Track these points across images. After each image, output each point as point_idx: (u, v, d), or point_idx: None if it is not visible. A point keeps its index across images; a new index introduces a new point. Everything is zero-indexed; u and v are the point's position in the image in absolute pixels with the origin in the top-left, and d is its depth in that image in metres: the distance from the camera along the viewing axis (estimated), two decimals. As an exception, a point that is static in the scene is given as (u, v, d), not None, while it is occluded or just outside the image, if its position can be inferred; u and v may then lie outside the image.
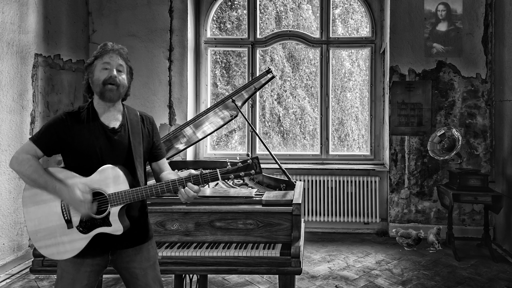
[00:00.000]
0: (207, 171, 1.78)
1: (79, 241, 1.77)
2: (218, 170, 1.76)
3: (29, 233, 1.81)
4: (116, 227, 1.76)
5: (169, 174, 1.95)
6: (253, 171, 1.78)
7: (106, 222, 1.76)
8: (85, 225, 1.76)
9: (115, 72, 1.81)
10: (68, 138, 1.79)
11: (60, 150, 1.82)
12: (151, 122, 2.00)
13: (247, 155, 3.10)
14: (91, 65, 1.85)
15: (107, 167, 1.76)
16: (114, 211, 1.75)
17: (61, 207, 1.77)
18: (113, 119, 1.87)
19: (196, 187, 1.76)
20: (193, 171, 1.78)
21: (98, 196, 1.76)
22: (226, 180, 3.17)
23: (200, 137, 3.35)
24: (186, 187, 1.75)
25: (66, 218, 1.77)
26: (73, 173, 1.78)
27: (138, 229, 1.90)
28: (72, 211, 1.76)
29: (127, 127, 1.88)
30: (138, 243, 1.90)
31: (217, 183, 3.06)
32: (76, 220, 1.77)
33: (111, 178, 1.75)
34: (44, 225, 1.78)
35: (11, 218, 3.82)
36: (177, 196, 1.96)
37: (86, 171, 1.77)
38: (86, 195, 1.71)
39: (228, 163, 1.79)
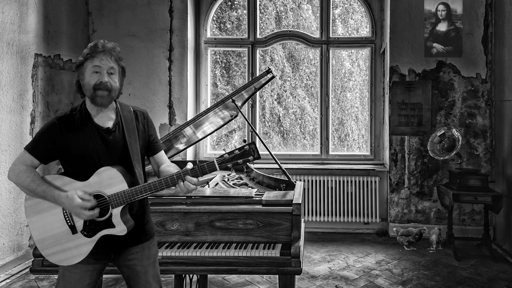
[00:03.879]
0: (204, 162, 1.74)
1: (85, 245, 1.76)
2: (215, 159, 1.71)
3: (35, 242, 1.80)
4: (120, 228, 1.75)
5: (168, 167, 1.92)
6: (251, 157, 1.71)
7: (109, 223, 1.75)
8: (89, 229, 1.75)
9: (106, 78, 1.75)
10: (63, 144, 1.77)
11: (57, 156, 1.80)
12: (145, 117, 1.96)
13: (244, 140, 3.05)
14: (81, 66, 1.77)
15: (104, 169, 1.74)
16: (116, 212, 1.74)
17: (63, 214, 1.76)
18: (106, 119, 1.84)
19: (195, 179, 1.73)
20: (190, 164, 1.75)
21: (98, 198, 1.75)
22: (226, 180, 3.19)
23: (200, 137, 3.35)
24: (186, 181, 1.73)
25: (69, 224, 1.76)
26: (70, 179, 1.76)
27: (140, 228, 1.90)
28: (74, 216, 1.75)
29: (121, 125, 1.85)
30: (140, 242, 1.90)
31: (217, 183, 3.06)
32: (79, 225, 1.76)
33: (109, 179, 1.74)
34: (49, 233, 1.77)
35: (11, 218, 3.82)
36: (177, 196, 1.94)
37: (85, 175, 1.75)
38: (85, 203, 1.68)
39: (226, 153, 1.74)
